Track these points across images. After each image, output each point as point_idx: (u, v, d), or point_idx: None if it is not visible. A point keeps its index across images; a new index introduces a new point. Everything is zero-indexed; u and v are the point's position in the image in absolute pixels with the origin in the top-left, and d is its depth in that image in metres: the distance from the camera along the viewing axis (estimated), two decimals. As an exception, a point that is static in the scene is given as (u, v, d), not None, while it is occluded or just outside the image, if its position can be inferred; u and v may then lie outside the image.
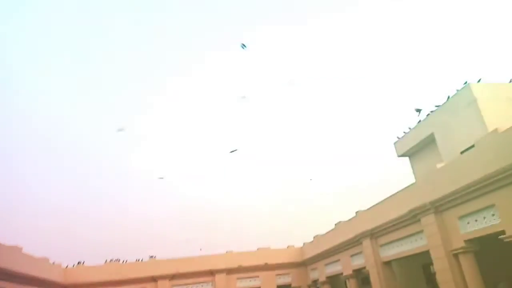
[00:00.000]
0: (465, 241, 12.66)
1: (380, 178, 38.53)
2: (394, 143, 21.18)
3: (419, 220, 14.61)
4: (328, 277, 23.65)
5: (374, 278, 17.85)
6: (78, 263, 25.13)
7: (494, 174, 11.05)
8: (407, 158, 20.86)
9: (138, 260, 26.08)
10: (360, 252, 19.19)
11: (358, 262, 19.68)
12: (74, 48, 51.21)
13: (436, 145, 17.79)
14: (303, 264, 26.91)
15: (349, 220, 20.51)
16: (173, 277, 25.03)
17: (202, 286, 25.53)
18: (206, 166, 51.31)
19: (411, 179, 17.32)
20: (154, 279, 24.74)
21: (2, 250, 15.96)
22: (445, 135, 17.25)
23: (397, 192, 16.35)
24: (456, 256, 13.06)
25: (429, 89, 46.49)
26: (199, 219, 43.85)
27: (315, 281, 25.54)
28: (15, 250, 17.35)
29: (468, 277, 12.56)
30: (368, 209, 18.69)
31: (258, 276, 26.26)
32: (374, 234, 17.82)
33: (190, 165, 50.48)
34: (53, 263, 22.53)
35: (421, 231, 14.70)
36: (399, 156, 21.06)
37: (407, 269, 18.37)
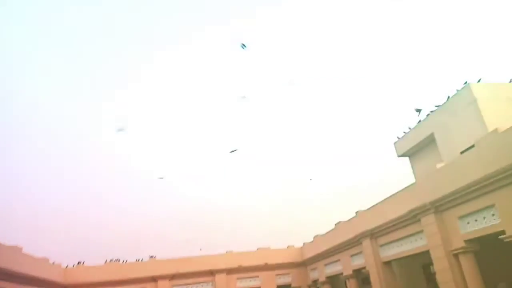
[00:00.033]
0: (465, 241, 12.67)
1: (380, 178, 38.48)
2: (394, 143, 21.18)
3: (419, 220, 14.61)
4: (328, 277, 23.66)
5: (374, 278, 17.85)
6: (78, 263, 25.14)
7: (494, 174, 11.06)
8: (407, 158, 20.85)
9: (138, 260, 26.09)
10: (360, 252, 19.19)
11: (358, 262, 19.69)
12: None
13: (436, 145, 17.79)
14: (303, 264, 26.91)
15: (349, 220, 20.52)
16: (173, 277, 25.04)
17: (202, 286, 25.54)
18: (206, 166, 51.30)
19: (411, 179, 17.34)
20: (154, 279, 24.75)
21: (2, 250, 15.97)
22: (445, 135, 17.24)
23: (397, 192, 16.37)
24: (456, 256, 13.07)
25: (429, 89, 46.48)
26: (199, 219, 43.81)
27: (315, 281, 25.54)
28: (15, 250, 17.36)
29: (468, 277, 12.57)
30: (368, 209, 18.69)
31: (258, 276, 26.27)
32: (374, 234, 17.82)
33: (190, 165, 50.48)
34: (53, 263, 22.55)
35: (421, 231, 14.70)
36: (399, 156, 21.05)
37: (407, 269, 18.37)
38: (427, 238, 14.22)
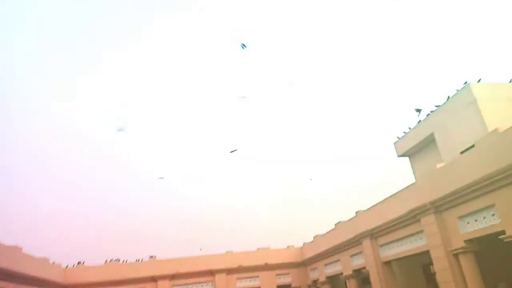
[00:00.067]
0: (465, 241, 12.66)
1: (380, 178, 38.52)
2: (394, 143, 21.18)
3: (419, 220, 14.61)
4: (328, 277, 23.65)
5: (374, 278, 17.85)
6: (78, 263, 25.14)
7: (494, 174, 11.06)
8: (407, 158, 20.85)
9: (138, 260, 26.08)
10: (360, 252, 19.19)
11: (358, 262, 19.68)
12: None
13: (436, 145, 17.79)
14: (303, 264, 26.91)
15: (349, 220, 20.51)
16: (173, 277, 25.04)
17: (202, 286, 25.54)
18: (206, 166, 51.31)
19: (411, 179, 17.32)
20: (154, 279, 24.74)
21: (2, 250, 15.96)
22: (445, 135, 17.24)
23: (397, 192, 16.36)
24: (456, 256, 13.06)
25: (429, 89, 46.50)
26: (199, 219, 43.81)
27: (315, 281, 25.53)
28: (15, 250, 17.35)
29: (468, 277, 12.56)
30: (368, 209, 18.69)
31: (258, 276, 26.27)
32: (374, 234, 17.82)
33: (190, 165, 50.49)
34: (53, 263, 22.54)
35: (421, 231, 14.70)
36: (399, 156, 21.06)
37: (407, 269, 18.37)
38: (427, 238, 14.22)
